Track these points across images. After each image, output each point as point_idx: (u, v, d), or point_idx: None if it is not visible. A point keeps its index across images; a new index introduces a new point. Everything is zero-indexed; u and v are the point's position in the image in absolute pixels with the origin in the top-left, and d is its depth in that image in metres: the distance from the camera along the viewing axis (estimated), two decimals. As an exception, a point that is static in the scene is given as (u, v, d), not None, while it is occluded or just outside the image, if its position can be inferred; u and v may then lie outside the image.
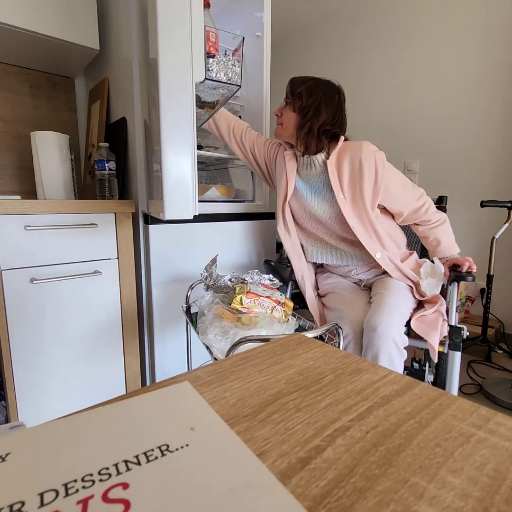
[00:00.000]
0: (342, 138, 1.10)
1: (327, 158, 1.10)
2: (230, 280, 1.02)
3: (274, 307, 0.92)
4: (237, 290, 0.94)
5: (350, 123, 1.16)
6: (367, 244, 1.10)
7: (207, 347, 0.84)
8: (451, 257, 1.13)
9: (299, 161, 1.15)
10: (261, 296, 0.92)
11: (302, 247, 1.25)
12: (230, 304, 0.90)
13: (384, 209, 1.16)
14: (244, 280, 1.01)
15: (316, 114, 1.05)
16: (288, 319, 0.95)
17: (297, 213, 1.20)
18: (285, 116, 1.10)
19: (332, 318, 1.09)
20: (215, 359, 0.82)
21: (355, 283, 1.23)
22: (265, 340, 0.67)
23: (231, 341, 0.80)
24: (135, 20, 1.10)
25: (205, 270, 1.03)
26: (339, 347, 0.81)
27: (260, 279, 1.04)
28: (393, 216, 1.20)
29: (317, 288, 1.27)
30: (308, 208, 1.16)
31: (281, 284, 1.11)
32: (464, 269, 1.05)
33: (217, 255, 1.07)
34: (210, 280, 1.02)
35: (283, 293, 1.01)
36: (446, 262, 1.11)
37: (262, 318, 0.87)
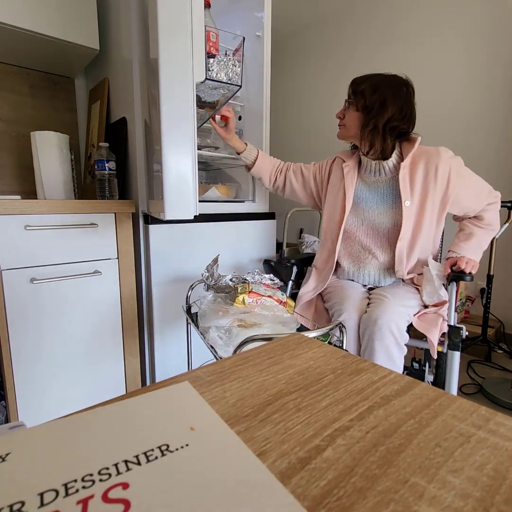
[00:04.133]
0: (419, 139, 1.03)
1: (401, 161, 1.04)
2: (231, 280, 1.02)
3: (276, 306, 0.92)
4: (239, 290, 0.94)
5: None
6: (404, 258, 1.07)
7: (211, 347, 0.84)
8: (460, 256, 1.07)
9: (366, 168, 1.10)
10: (263, 295, 0.92)
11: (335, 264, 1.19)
12: (232, 304, 0.90)
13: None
14: (246, 280, 1.01)
15: (381, 110, 0.99)
16: (289, 319, 0.95)
17: (353, 228, 1.14)
18: (348, 116, 1.06)
19: (330, 306, 1.09)
20: (220, 358, 0.82)
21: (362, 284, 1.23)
22: (269, 339, 0.67)
23: (233, 340, 0.80)
24: (135, 20, 1.10)
25: (206, 270, 1.03)
26: (342, 345, 0.81)
27: (262, 279, 1.04)
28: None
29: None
30: (371, 218, 1.11)
31: (282, 283, 1.11)
32: (459, 268, 1.03)
33: (218, 255, 1.07)
34: (212, 280, 1.02)
35: (284, 292, 1.01)
36: (449, 260, 1.08)
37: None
